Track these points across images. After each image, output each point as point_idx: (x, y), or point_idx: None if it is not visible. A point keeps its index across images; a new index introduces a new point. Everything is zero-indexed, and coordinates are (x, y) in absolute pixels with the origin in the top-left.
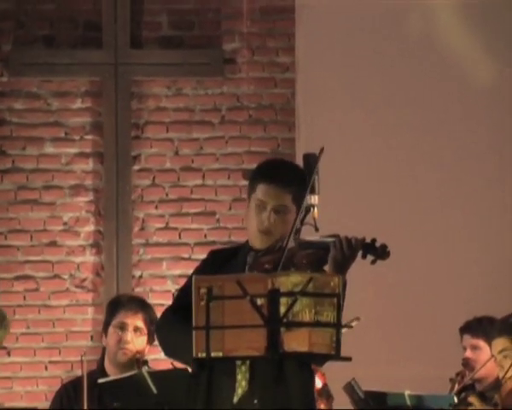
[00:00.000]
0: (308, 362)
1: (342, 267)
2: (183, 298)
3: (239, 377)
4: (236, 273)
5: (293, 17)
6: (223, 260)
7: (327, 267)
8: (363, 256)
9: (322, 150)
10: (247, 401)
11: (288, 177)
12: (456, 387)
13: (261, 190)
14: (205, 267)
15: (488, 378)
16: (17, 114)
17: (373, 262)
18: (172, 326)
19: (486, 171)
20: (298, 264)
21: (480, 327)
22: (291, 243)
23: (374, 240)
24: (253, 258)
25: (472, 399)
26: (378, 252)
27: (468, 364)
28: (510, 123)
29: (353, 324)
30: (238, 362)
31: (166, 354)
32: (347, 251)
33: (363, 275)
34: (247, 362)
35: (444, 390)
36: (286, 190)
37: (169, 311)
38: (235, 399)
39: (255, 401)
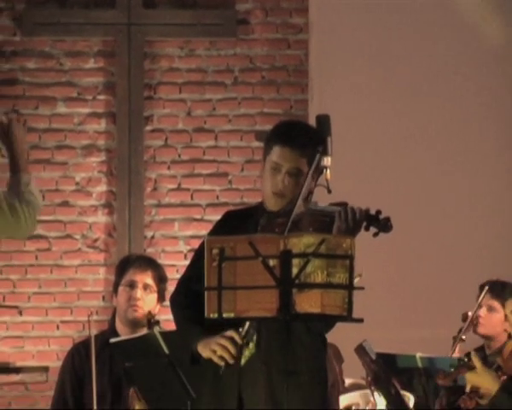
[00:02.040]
0: (317, 329)
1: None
2: (194, 266)
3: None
4: (249, 234)
5: None
6: (237, 222)
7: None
8: (366, 228)
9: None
10: (253, 364)
11: (303, 140)
12: (459, 345)
13: (276, 153)
14: (219, 228)
15: (498, 341)
16: (30, 74)
17: (375, 235)
18: (177, 315)
19: (499, 134)
20: (304, 230)
21: (502, 291)
22: (300, 208)
23: (378, 212)
24: (266, 220)
25: (474, 360)
26: (381, 225)
27: (467, 320)
28: None
29: (356, 279)
30: (247, 325)
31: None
32: (351, 222)
33: (373, 239)
34: (255, 326)
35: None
36: (301, 154)
37: (179, 287)
38: (243, 361)
39: (260, 365)
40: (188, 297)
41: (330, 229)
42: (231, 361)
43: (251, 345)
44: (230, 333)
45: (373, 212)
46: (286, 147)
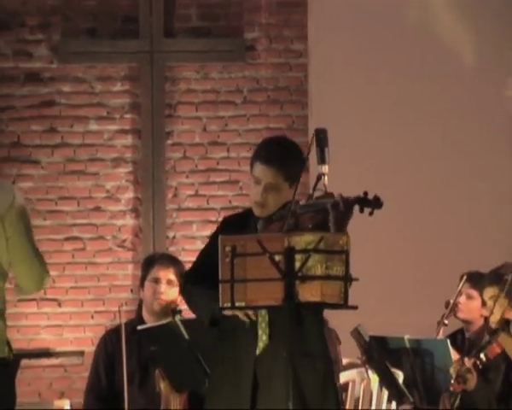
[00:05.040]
0: (320, 310)
1: (343, 224)
2: (201, 260)
3: (260, 332)
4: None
5: (305, 9)
6: (235, 226)
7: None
8: (361, 210)
9: (316, 132)
10: (267, 354)
11: (280, 159)
12: (442, 329)
13: (257, 169)
14: (220, 233)
15: (475, 324)
16: (65, 96)
17: (371, 214)
18: (191, 291)
19: (478, 144)
20: (304, 227)
21: (480, 281)
22: (293, 210)
23: (366, 193)
24: (262, 225)
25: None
26: (373, 203)
27: (448, 307)
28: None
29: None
30: (259, 319)
31: (189, 308)
32: (344, 209)
33: (366, 236)
34: (267, 320)
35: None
36: (277, 171)
37: (189, 273)
38: (258, 351)
39: (281, 352)
40: (196, 277)
41: (326, 221)
42: (254, 318)
43: (264, 337)
44: None
45: (361, 195)
46: (264, 165)
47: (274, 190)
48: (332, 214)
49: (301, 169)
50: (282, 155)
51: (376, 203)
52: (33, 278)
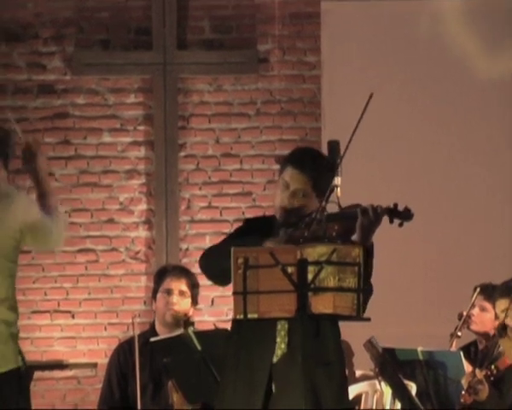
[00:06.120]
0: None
1: (369, 233)
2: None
3: (278, 340)
4: (272, 240)
5: (318, 21)
6: (258, 230)
7: (355, 235)
8: (391, 221)
9: (371, 95)
10: (284, 361)
11: (311, 166)
12: (455, 341)
13: (288, 173)
14: (246, 230)
15: (488, 336)
16: (79, 108)
17: (400, 225)
18: (219, 247)
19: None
20: (329, 236)
21: (493, 293)
22: (319, 218)
23: (396, 205)
24: (286, 233)
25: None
26: (403, 215)
27: (462, 319)
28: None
29: None
30: (278, 327)
31: (212, 274)
32: (374, 217)
33: (378, 243)
34: (286, 328)
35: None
36: (308, 178)
37: (210, 247)
38: (275, 359)
39: (299, 359)
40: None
41: (352, 229)
42: None
43: (283, 345)
44: None
45: (391, 206)
46: (295, 169)
47: (301, 196)
48: (360, 220)
49: (329, 184)
50: (315, 165)
51: (407, 215)
52: (45, 231)
